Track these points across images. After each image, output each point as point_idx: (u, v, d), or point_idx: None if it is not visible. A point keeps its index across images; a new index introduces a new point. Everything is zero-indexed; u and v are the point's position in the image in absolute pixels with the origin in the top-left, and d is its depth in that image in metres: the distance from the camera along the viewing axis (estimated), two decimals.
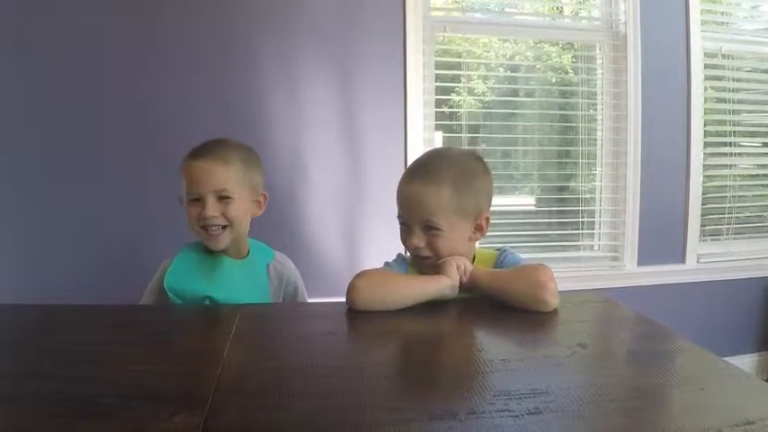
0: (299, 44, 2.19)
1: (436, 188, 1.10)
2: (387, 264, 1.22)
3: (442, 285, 1.08)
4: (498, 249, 1.23)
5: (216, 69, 2.12)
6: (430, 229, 1.11)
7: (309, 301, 1.46)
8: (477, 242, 1.21)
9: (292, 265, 1.42)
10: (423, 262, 1.14)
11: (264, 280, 1.35)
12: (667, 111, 2.54)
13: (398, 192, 1.16)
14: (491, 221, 1.19)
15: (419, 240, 1.12)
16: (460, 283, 1.10)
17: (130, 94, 2.06)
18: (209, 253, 1.32)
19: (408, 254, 1.22)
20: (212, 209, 1.24)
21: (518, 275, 1.09)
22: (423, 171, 1.14)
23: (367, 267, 1.13)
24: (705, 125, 2.63)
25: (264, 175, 1.39)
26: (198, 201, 1.26)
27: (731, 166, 2.79)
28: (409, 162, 2.26)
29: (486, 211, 1.17)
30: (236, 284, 1.29)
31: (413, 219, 1.12)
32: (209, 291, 1.24)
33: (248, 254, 1.36)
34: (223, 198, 1.26)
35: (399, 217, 1.16)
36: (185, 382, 0.74)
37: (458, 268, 1.10)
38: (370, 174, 2.28)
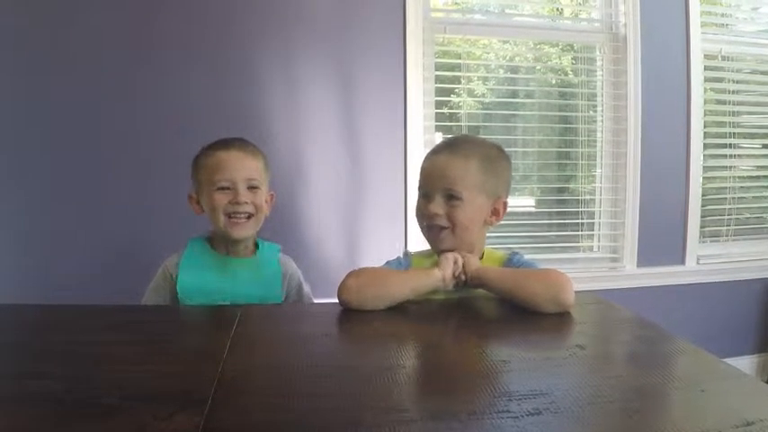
0: (299, 45, 2.19)
1: (464, 160, 1.14)
2: (387, 263, 1.21)
3: (434, 278, 1.09)
4: (508, 251, 1.23)
5: (216, 69, 2.12)
6: (451, 198, 1.13)
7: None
8: (486, 239, 1.22)
9: (294, 265, 1.43)
10: (437, 235, 1.14)
11: (277, 269, 1.36)
12: (667, 112, 2.54)
13: (423, 164, 1.19)
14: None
15: (438, 207, 1.13)
16: (466, 280, 1.10)
17: (130, 94, 2.06)
18: (218, 251, 1.33)
19: (427, 248, 1.21)
20: (244, 195, 1.27)
21: (535, 276, 1.09)
22: (450, 146, 1.19)
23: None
24: (705, 126, 2.63)
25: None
26: (226, 189, 1.27)
27: (731, 167, 2.79)
28: (409, 163, 2.28)
29: (504, 197, 1.19)
30: (248, 282, 1.30)
31: (435, 187, 1.14)
32: (224, 293, 1.25)
33: (256, 251, 1.37)
34: (252, 188, 1.29)
35: (420, 188, 1.18)
36: (185, 382, 0.74)
37: (455, 262, 1.10)
38: (370, 175, 2.28)
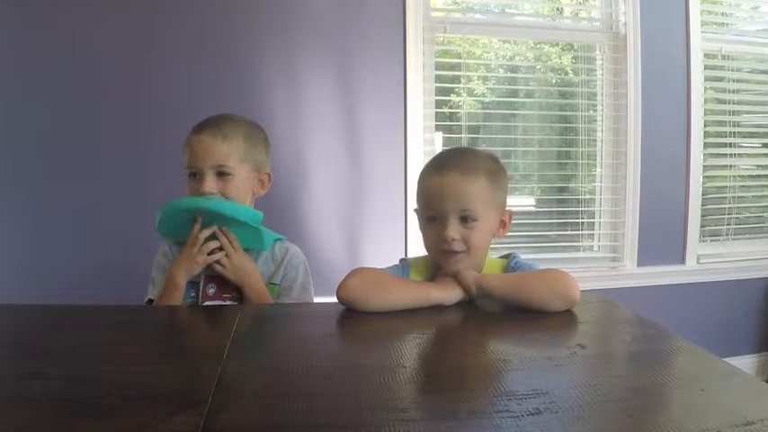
0: (299, 44, 2.19)
1: (474, 177, 1.09)
2: (386, 270, 1.20)
3: (436, 299, 1.06)
4: (506, 255, 1.22)
5: (216, 70, 2.12)
6: (467, 219, 1.08)
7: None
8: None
9: (299, 252, 1.36)
10: (452, 258, 1.10)
11: (268, 253, 1.31)
12: (667, 111, 2.54)
13: (428, 185, 1.11)
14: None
15: (456, 232, 1.08)
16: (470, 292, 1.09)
17: (130, 94, 2.06)
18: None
19: (423, 254, 1.18)
20: (210, 185, 1.22)
21: (538, 277, 1.09)
22: (455, 162, 1.11)
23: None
24: (705, 126, 2.63)
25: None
26: (197, 175, 1.24)
27: (731, 166, 2.79)
28: (409, 162, 2.28)
29: (505, 208, 1.17)
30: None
31: (450, 209, 1.08)
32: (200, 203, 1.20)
33: None
34: (222, 174, 1.23)
35: (427, 211, 1.12)
36: (185, 383, 0.74)
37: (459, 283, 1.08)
38: (371, 174, 2.28)
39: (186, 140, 1.27)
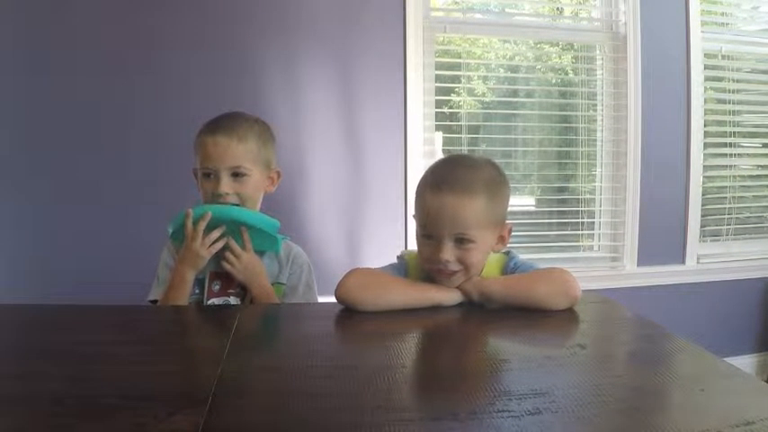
0: (299, 44, 2.19)
1: (471, 199, 1.06)
2: (383, 270, 1.19)
3: (435, 300, 1.07)
4: (505, 253, 1.21)
5: (216, 70, 2.12)
6: (462, 241, 1.06)
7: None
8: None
9: (302, 251, 1.37)
10: (449, 277, 1.09)
11: (279, 243, 1.31)
12: (667, 111, 2.54)
13: (424, 205, 1.09)
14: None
15: (450, 254, 1.06)
16: (470, 297, 1.08)
17: (130, 95, 2.06)
18: None
19: (419, 263, 1.17)
20: (226, 186, 1.23)
21: (539, 278, 1.09)
22: (452, 181, 1.08)
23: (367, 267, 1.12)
24: (705, 126, 2.63)
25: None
26: (211, 176, 1.24)
27: (731, 166, 2.79)
28: (409, 162, 2.28)
29: (506, 220, 1.15)
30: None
31: (444, 232, 1.06)
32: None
33: None
34: (238, 175, 1.24)
35: (423, 228, 1.10)
36: (185, 382, 0.74)
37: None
38: (370, 174, 2.28)
39: (199, 141, 1.27)
